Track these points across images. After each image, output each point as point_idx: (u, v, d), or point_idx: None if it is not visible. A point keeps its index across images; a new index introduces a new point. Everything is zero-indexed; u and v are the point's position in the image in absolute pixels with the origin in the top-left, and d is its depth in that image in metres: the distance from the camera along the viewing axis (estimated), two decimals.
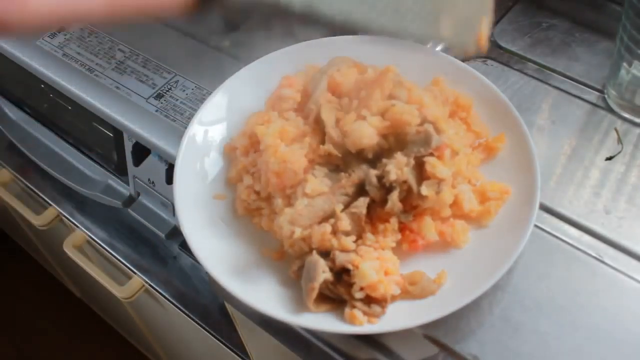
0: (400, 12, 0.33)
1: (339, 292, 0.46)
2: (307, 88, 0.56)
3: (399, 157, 0.48)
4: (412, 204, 0.48)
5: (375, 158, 0.50)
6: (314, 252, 0.46)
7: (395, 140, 0.50)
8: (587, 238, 0.52)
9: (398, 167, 0.47)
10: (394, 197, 0.47)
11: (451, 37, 0.36)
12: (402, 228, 0.48)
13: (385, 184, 0.48)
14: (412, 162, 0.48)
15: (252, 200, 0.51)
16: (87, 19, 0.22)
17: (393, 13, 0.33)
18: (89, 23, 0.19)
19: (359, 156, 0.50)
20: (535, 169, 0.50)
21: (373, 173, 0.48)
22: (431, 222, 0.48)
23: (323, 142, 0.51)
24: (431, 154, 0.48)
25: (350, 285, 0.45)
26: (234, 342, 0.73)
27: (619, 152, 0.56)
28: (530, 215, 0.48)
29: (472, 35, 0.37)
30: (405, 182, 0.47)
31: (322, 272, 0.45)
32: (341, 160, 0.51)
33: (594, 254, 0.51)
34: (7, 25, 0.21)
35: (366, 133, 0.49)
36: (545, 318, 0.47)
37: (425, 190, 0.47)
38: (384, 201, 0.48)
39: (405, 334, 0.47)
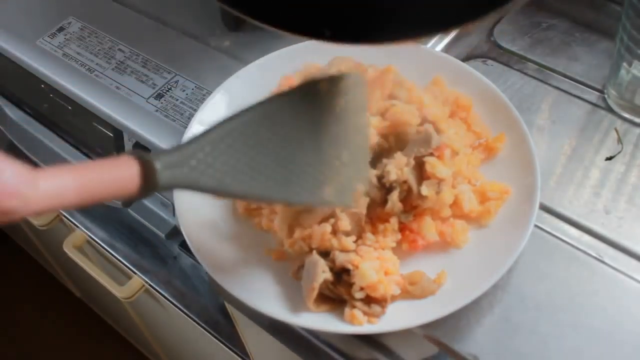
0: (291, 187, 0.41)
1: (339, 292, 0.46)
2: None
3: (399, 157, 0.48)
4: (412, 204, 0.48)
5: (375, 158, 0.50)
6: (314, 252, 0.46)
7: (395, 140, 0.50)
8: (587, 238, 0.52)
9: (398, 167, 0.47)
10: (394, 197, 0.47)
11: (334, 201, 0.44)
12: (402, 228, 0.48)
13: (385, 184, 0.47)
14: (412, 162, 0.48)
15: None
16: (67, 208, 0.30)
17: (285, 187, 0.41)
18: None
19: None
20: (535, 169, 0.50)
21: (373, 173, 0.48)
22: (431, 222, 0.48)
23: None
24: (431, 154, 0.48)
25: (350, 285, 0.45)
26: (234, 342, 0.73)
27: (619, 152, 0.56)
28: (530, 215, 0.48)
29: (352, 196, 0.45)
30: (405, 182, 0.47)
31: (322, 272, 0.45)
32: None
33: (594, 254, 0.51)
34: (9, 215, 0.26)
35: None
36: (545, 318, 0.47)
37: (425, 190, 0.47)
38: (384, 201, 0.48)
39: (405, 334, 0.47)
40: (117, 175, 0.30)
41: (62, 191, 0.27)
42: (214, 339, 0.75)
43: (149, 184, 0.31)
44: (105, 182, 0.29)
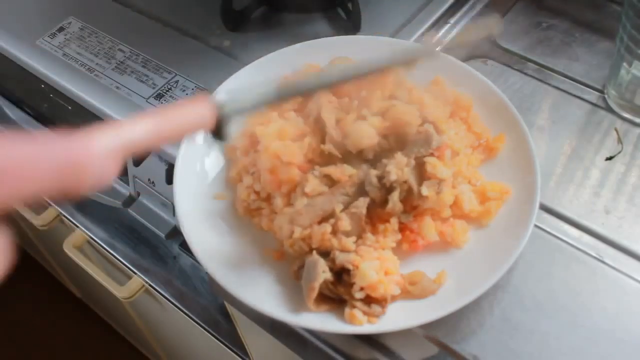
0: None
1: (339, 292, 0.46)
2: None
3: (399, 157, 0.48)
4: (412, 204, 0.48)
5: (376, 158, 0.50)
6: (314, 252, 0.46)
7: (395, 141, 0.50)
8: (587, 238, 0.52)
9: (398, 168, 0.47)
10: (395, 198, 0.47)
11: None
12: (402, 228, 0.48)
13: (385, 184, 0.47)
14: (413, 162, 0.48)
15: (252, 200, 0.51)
16: (144, 149, 0.33)
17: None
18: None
19: (359, 156, 0.50)
20: (535, 169, 0.50)
21: (373, 173, 0.48)
22: (431, 222, 0.48)
23: (323, 142, 0.51)
24: (431, 154, 0.48)
25: (350, 285, 0.45)
26: (234, 342, 0.73)
27: (619, 152, 0.56)
28: (531, 215, 0.48)
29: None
30: (405, 182, 0.47)
31: (322, 272, 0.45)
32: (341, 161, 0.51)
33: (594, 254, 0.51)
34: (95, 187, 0.29)
35: (366, 133, 0.49)
36: (546, 318, 0.47)
37: (425, 190, 0.47)
38: (384, 201, 0.48)
39: (405, 334, 0.47)
40: (196, 114, 0.35)
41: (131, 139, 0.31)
42: (214, 339, 0.75)
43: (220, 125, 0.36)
44: (185, 123, 0.34)
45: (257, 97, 0.40)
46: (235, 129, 0.37)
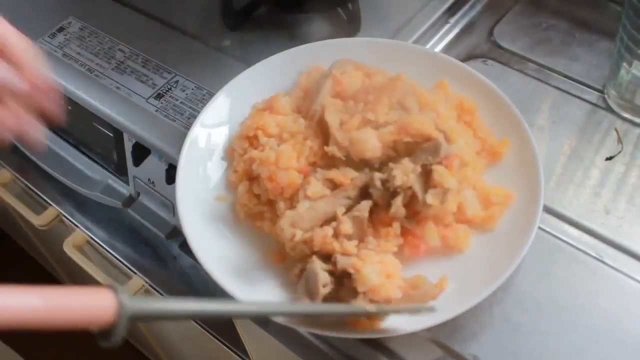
0: None
1: (341, 296, 0.45)
2: (310, 90, 0.56)
3: (406, 162, 0.47)
4: (415, 210, 0.48)
5: (383, 163, 0.50)
6: (314, 258, 0.46)
7: (405, 148, 0.50)
8: (587, 238, 0.52)
9: (404, 173, 0.47)
10: (398, 203, 0.47)
11: None
12: (405, 232, 0.48)
13: (389, 188, 0.47)
14: (419, 169, 0.47)
15: (252, 204, 0.51)
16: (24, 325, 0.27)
17: None
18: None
19: (363, 162, 0.50)
20: (538, 174, 0.49)
21: (378, 176, 0.48)
22: (434, 228, 0.48)
23: (326, 144, 0.51)
24: (439, 163, 0.47)
25: (352, 289, 0.45)
26: (234, 342, 0.73)
27: (619, 152, 0.56)
28: (534, 221, 0.47)
29: None
30: (410, 188, 0.46)
31: (323, 287, 0.44)
32: (344, 164, 0.50)
33: (594, 254, 0.51)
34: None
35: (370, 145, 0.49)
36: (545, 318, 0.47)
37: (430, 199, 0.46)
38: (387, 205, 0.47)
39: (406, 335, 0.47)
40: (91, 303, 0.30)
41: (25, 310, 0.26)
42: (214, 339, 0.75)
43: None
44: (77, 308, 0.29)
45: (169, 308, 0.35)
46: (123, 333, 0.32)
